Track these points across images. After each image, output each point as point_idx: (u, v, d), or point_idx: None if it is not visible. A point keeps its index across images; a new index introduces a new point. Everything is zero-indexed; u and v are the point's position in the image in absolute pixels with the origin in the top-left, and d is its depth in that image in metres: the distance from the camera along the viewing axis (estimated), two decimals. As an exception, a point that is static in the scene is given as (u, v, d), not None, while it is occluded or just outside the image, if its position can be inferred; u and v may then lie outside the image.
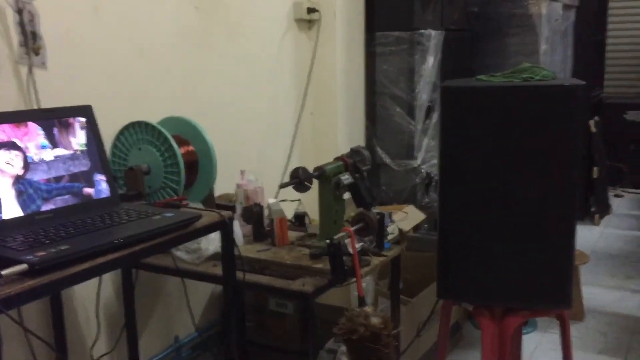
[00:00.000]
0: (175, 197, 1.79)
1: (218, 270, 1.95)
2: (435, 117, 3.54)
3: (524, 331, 2.93)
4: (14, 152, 1.44)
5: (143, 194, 1.81)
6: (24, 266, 1.15)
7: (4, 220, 1.37)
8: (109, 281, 2.20)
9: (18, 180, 1.45)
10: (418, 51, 3.33)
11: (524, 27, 3.83)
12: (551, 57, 3.97)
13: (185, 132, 2.19)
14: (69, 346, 2.00)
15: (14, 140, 1.46)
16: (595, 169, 4.89)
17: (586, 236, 4.50)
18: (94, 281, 2.07)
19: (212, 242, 2.02)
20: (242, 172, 2.30)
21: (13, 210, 1.41)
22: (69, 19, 2.01)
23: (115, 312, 2.25)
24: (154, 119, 2.12)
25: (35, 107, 1.85)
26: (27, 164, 1.46)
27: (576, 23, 4.57)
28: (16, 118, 1.44)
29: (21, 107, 1.85)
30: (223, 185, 2.39)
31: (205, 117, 2.31)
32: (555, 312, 2.16)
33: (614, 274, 3.85)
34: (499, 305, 2.11)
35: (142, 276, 2.23)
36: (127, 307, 2.18)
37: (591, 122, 4.90)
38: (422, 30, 3.32)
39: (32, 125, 1.46)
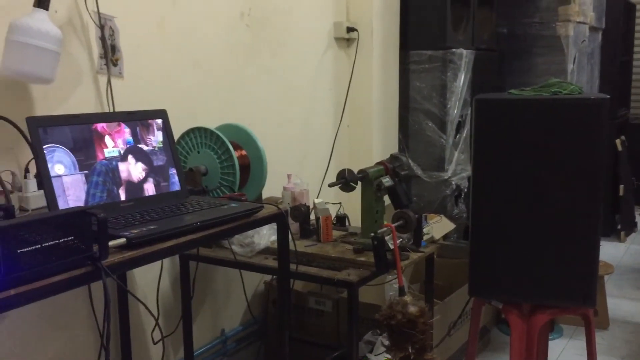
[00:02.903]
0: (236, 193, 1.99)
1: (270, 262, 2.14)
2: (465, 132, 3.66)
3: (550, 337, 3.04)
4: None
5: (206, 190, 2.01)
6: (122, 240, 1.35)
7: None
8: (166, 274, 2.40)
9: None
10: (450, 69, 3.44)
11: (551, 47, 3.91)
12: (578, 77, 4.05)
13: (238, 138, 2.36)
14: (132, 329, 2.20)
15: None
16: (621, 186, 4.97)
17: (612, 252, 4.57)
18: (154, 273, 2.27)
19: (263, 237, 2.21)
20: (289, 176, 2.48)
21: (103, 197, 1.63)
22: (139, 34, 2.22)
23: (171, 302, 2.44)
24: (205, 124, 2.26)
25: (110, 111, 2.07)
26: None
27: (603, 45, 4.65)
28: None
29: (98, 111, 2.07)
30: (267, 189, 2.56)
31: (251, 126, 2.43)
32: (580, 310, 2.23)
33: (638, 287, 3.93)
34: (527, 303, 2.23)
35: (193, 272, 2.42)
36: (184, 297, 2.36)
37: (617, 141, 4.97)
38: (454, 50, 3.43)
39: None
